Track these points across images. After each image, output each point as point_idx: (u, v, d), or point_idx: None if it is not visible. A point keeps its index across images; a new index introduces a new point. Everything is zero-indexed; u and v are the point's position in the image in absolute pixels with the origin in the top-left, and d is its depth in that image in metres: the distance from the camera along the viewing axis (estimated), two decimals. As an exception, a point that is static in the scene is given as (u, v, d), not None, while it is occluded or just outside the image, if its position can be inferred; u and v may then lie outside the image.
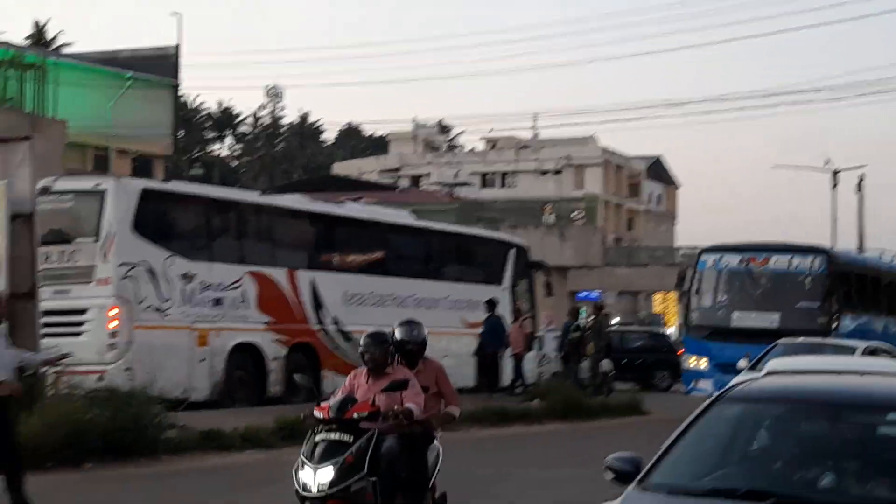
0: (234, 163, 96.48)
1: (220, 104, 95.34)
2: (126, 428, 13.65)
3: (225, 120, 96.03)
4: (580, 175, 77.90)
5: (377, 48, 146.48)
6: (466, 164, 78.82)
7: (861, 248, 43.76)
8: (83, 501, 11.47)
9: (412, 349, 9.07)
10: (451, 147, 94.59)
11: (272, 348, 20.70)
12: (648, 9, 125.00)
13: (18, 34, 73.78)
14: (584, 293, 55.66)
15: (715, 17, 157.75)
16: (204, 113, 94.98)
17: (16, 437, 10.14)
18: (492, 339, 23.78)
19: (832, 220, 50.84)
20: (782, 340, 18.81)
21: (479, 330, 24.39)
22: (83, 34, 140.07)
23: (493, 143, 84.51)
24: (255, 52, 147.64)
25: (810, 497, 5.63)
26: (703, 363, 22.40)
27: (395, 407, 8.34)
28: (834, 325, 22.02)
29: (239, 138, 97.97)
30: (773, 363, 7.64)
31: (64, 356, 11.86)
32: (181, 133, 69.98)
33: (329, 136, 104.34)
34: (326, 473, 8.02)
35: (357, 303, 22.77)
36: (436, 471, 8.76)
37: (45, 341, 15.05)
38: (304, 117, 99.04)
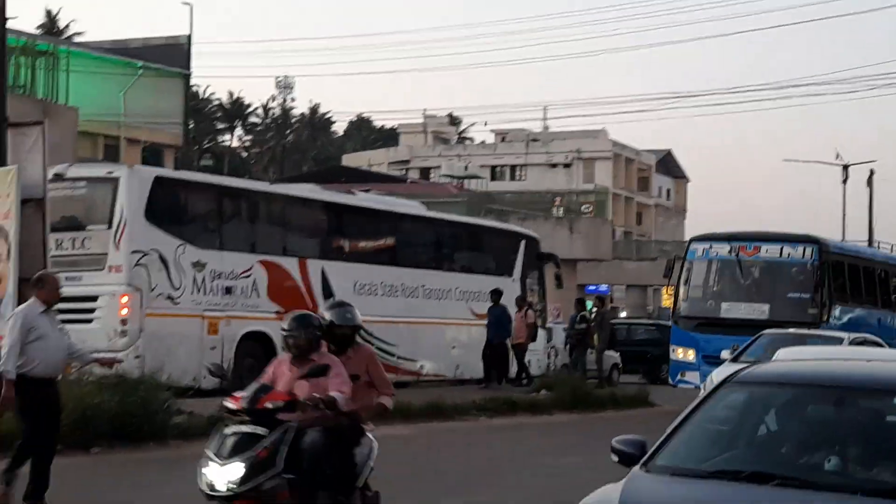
0: (244, 154, 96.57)
1: (230, 94, 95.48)
2: (134, 413, 13.70)
3: (235, 110, 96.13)
4: (590, 168, 77.91)
5: (387, 39, 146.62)
6: (476, 156, 78.82)
7: (870, 241, 43.65)
8: (91, 484, 11.52)
9: (343, 334, 8.29)
10: (461, 139, 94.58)
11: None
12: (659, 0, 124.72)
13: (30, 23, 73.95)
14: (594, 286, 55.65)
15: (726, 8, 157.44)
16: (215, 103, 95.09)
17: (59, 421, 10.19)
18: (497, 330, 23.74)
19: (842, 214, 50.76)
20: (767, 331, 18.51)
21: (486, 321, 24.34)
22: (95, 23, 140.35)
23: (503, 136, 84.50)
24: (265, 43, 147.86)
25: (815, 480, 5.64)
26: (691, 355, 22.03)
27: (314, 395, 7.59)
28: (825, 317, 21.66)
29: (249, 129, 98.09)
30: (782, 353, 7.67)
31: (117, 361, 11.88)
32: (191, 123, 70.05)
33: (339, 127, 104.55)
34: (235, 470, 7.30)
35: (367, 293, 22.80)
36: (368, 468, 8.07)
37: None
38: (314, 109, 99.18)
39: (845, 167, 51.48)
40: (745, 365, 7.05)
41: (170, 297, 18.82)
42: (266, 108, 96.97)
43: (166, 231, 18.98)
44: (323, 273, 21.81)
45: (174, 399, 14.78)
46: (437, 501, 11.41)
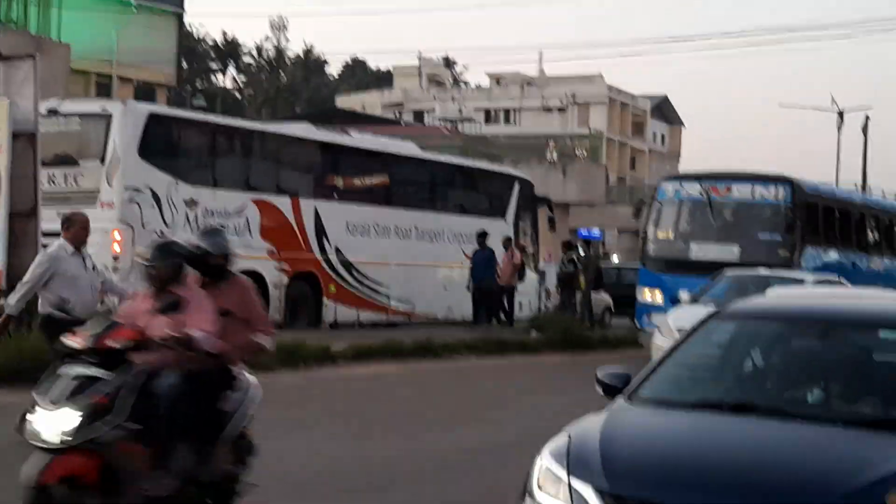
0: (238, 95, 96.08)
1: (224, 34, 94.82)
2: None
3: (229, 51, 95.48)
4: (585, 113, 77.69)
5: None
6: (471, 100, 78.57)
7: (864, 187, 43.63)
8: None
9: (214, 264, 7.38)
10: (456, 82, 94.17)
11: (274, 276, 20.77)
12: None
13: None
14: (586, 231, 55.66)
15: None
16: (208, 43, 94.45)
17: None
18: (487, 272, 23.69)
19: (836, 160, 50.77)
20: (728, 271, 18.23)
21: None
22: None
23: (497, 79, 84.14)
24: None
25: (796, 411, 5.70)
26: (658, 296, 21.47)
27: (169, 333, 6.66)
28: (797, 259, 21.18)
29: (242, 70, 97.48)
30: (771, 293, 7.73)
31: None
32: (184, 63, 69.61)
33: (333, 69, 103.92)
34: (68, 417, 6.27)
35: (360, 233, 22.82)
36: (243, 417, 7.22)
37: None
38: (308, 50, 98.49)
39: (841, 113, 51.40)
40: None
41: (161, 234, 18.79)
42: (260, 49, 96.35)
43: (159, 168, 18.94)
44: (316, 213, 21.81)
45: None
46: (423, 437, 11.49)
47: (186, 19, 58.33)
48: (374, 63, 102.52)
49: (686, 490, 4.86)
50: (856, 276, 22.94)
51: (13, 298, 9.57)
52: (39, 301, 9.82)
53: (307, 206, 21.68)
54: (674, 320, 16.53)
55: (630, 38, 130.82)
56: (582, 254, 26.94)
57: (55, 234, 16.76)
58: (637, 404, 5.86)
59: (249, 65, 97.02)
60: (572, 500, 5.01)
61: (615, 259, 50.83)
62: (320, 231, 21.86)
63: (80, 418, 6.27)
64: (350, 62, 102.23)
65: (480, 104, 78.57)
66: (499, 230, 25.50)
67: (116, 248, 18.19)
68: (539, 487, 5.21)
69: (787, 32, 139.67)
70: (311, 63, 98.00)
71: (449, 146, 44.88)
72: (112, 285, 10.34)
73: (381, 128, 46.19)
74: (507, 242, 24.67)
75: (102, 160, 18.37)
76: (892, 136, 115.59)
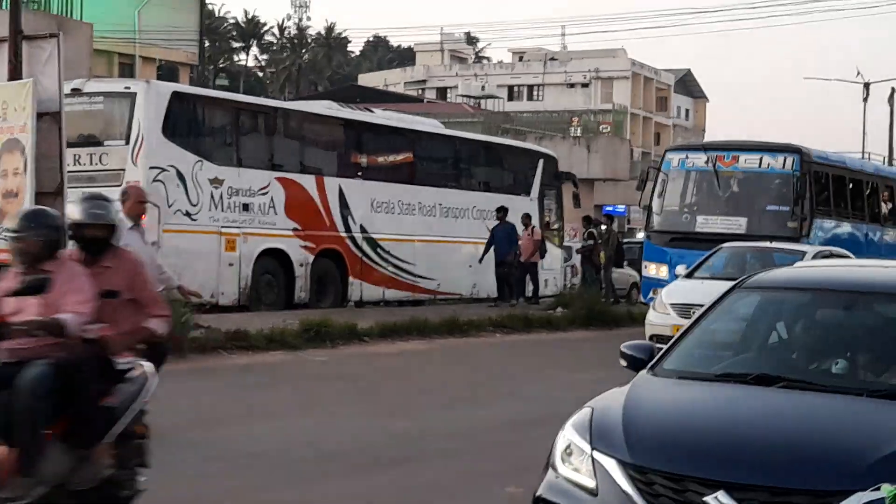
0: (260, 73, 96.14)
1: (245, 13, 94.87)
2: (153, 327, 13.74)
3: (250, 29, 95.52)
4: (608, 88, 77.38)
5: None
6: (493, 76, 78.29)
7: (891, 159, 43.28)
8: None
9: (95, 236, 6.41)
10: (479, 59, 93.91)
11: (299, 254, 20.78)
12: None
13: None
14: (611, 207, 55.51)
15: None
16: (230, 22, 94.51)
17: None
18: (508, 247, 23.57)
19: (862, 132, 50.39)
20: (725, 245, 17.84)
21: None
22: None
23: (520, 56, 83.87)
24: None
25: (821, 382, 5.67)
26: (663, 271, 20.68)
27: (33, 318, 5.85)
28: (806, 231, 20.54)
29: (264, 48, 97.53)
30: (800, 264, 7.70)
31: (197, 294, 11.05)
32: (206, 42, 69.63)
33: (355, 47, 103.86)
34: None
35: (384, 210, 22.80)
36: (131, 411, 6.16)
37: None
38: (330, 28, 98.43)
39: (866, 85, 50.99)
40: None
41: (187, 214, 18.84)
42: (281, 27, 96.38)
43: (184, 147, 18.96)
44: (340, 190, 21.80)
45: (192, 314, 14.85)
46: (449, 413, 11.52)
47: (208, -2, 58.38)
48: (396, 40, 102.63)
49: (709, 462, 4.85)
50: (869, 249, 22.64)
51: None
52: None
53: (331, 183, 21.67)
54: (667, 295, 16.43)
55: (653, 12, 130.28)
56: (603, 229, 26.83)
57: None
58: (660, 377, 5.85)
59: (271, 43, 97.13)
60: (595, 473, 5.02)
61: (640, 235, 50.61)
62: (345, 209, 21.86)
63: None
64: (372, 39, 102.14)
65: (503, 80, 78.29)
66: (523, 207, 25.42)
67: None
68: (562, 460, 5.22)
69: (812, 3, 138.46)
70: (332, 41, 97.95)
71: (472, 123, 44.78)
72: (165, 273, 9.97)
73: (403, 105, 46.18)
74: (526, 219, 24.53)
75: (127, 140, 18.39)
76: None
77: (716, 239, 19.04)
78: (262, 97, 42.70)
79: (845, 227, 22.60)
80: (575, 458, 5.16)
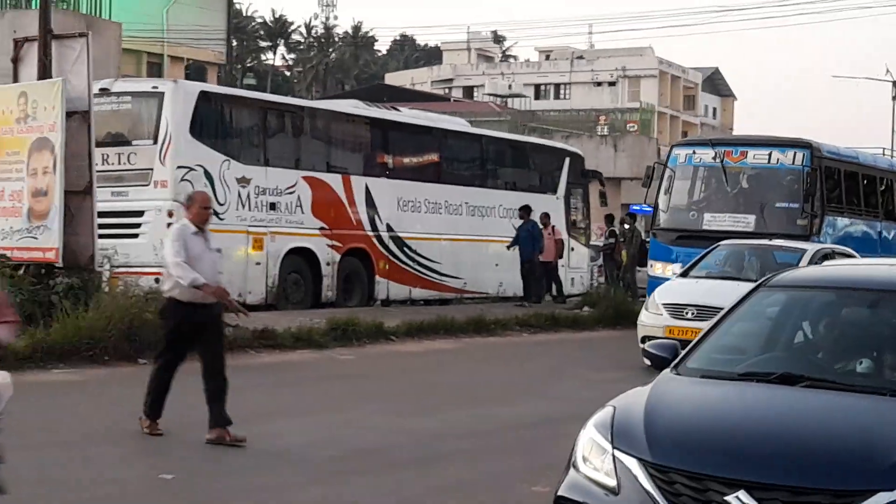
0: (287, 72, 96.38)
1: (273, 12, 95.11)
2: (181, 324, 13.79)
3: (278, 29, 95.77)
4: (635, 87, 77.13)
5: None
6: (520, 75, 78.21)
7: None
8: (139, 393, 11.67)
9: None
10: (505, 57, 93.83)
11: (326, 253, 20.83)
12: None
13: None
14: (638, 206, 55.37)
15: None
16: (257, 21, 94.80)
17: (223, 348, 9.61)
18: (529, 246, 23.46)
19: (892, 131, 50.09)
20: (723, 243, 17.29)
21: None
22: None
23: (547, 54, 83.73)
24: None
25: (845, 381, 5.65)
26: (670, 270, 19.82)
27: None
28: (816, 229, 19.92)
29: (292, 48, 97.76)
30: (827, 263, 7.64)
31: (245, 313, 10.61)
32: (234, 42, 69.85)
33: (382, 46, 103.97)
34: None
35: (411, 209, 22.82)
36: None
37: (103, 242, 15.20)
38: (357, 27, 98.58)
39: (895, 83, 50.73)
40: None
41: (215, 213, 18.76)
42: (308, 27, 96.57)
43: (211, 146, 19.02)
44: (367, 189, 21.83)
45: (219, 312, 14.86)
46: (475, 412, 11.53)
47: (236, -2, 58.60)
48: (422, 39, 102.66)
49: (729, 461, 4.85)
50: (883, 247, 22.14)
51: (188, 275, 9.06)
52: (165, 282, 9.52)
53: (358, 182, 21.70)
54: (660, 295, 15.88)
55: (680, 10, 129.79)
56: (626, 228, 26.74)
57: (111, 214, 17.01)
58: (683, 376, 5.85)
59: (298, 42, 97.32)
60: (616, 472, 5.02)
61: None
62: (371, 208, 21.89)
63: None
64: (399, 38, 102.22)
65: (530, 79, 78.21)
66: (550, 205, 25.39)
67: (170, 226, 18.21)
68: (584, 459, 5.23)
69: (840, 0, 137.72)
70: (359, 40, 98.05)
71: (499, 122, 44.77)
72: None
73: (430, 104, 46.20)
74: (545, 219, 24.23)
75: (154, 139, 18.47)
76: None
77: (723, 237, 18.48)
78: (289, 96, 42.83)
79: (858, 225, 22.08)
80: (596, 457, 5.17)
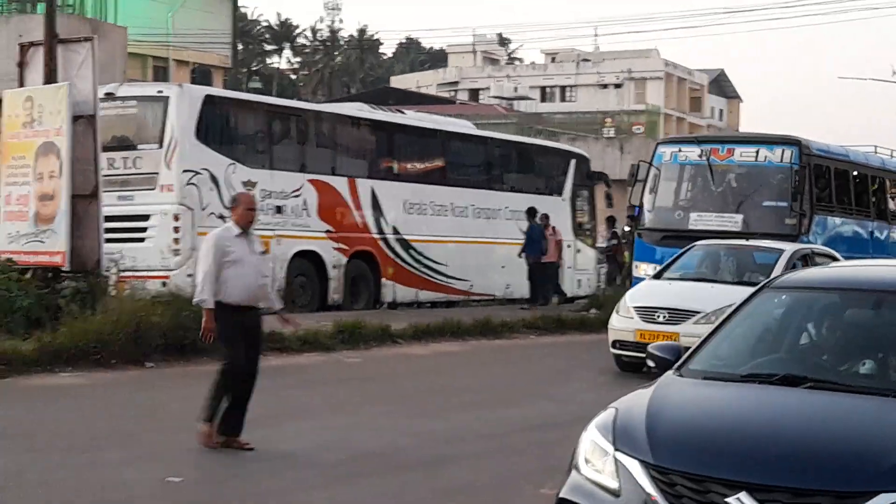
0: (293, 76, 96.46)
1: (278, 16, 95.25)
2: (187, 328, 13.82)
3: (283, 32, 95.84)
4: (641, 89, 77.11)
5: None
6: (526, 77, 78.24)
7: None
8: (146, 397, 11.70)
9: None
10: (511, 60, 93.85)
11: (333, 256, 20.84)
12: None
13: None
14: (644, 207, 55.35)
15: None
16: (263, 25, 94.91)
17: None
18: (531, 248, 23.39)
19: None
20: (699, 243, 16.63)
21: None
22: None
23: (552, 56, 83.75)
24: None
25: (848, 382, 5.64)
26: (653, 271, 18.75)
27: None
28: (805, 228, 19.37)
29: (297, 51, 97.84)
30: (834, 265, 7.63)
31: (296, 323, 10.67)
32: (240, 45, 69.93)
33: (388, 49, 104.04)
34: None
35: (417, 212, 22.83)
36: None
37: (109, 246, 15.23)
38: (362, 30, 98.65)
39: (901, 84, 50.57)
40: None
41: (221, 216, 18.88)
42: (314, 30, 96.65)
43: (217, 150, 19.05)
44: (373, 192, 21.84)
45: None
46: (482, 414, 11.54)
47: (241, 1, 58.75)
48: (428, 42, 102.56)
49: (731, 463, 4.84)
50: (875, 248, 21.75)
51: (205, 293, 9.05)
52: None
53: (364, 185, 21.72)
54: (631, 298, 15.39)
55: (686, 12, 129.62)
56: (627, 229, 26.69)
57: (117, 219, 16.99)
58: (686, 377, 5.84)
59: (304, 46, 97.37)
60: (617, 474, 5.02)
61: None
62: (377, 210, 21.90)
63: None
64: (404, 42, 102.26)
65: (536, 82, 78.22)
66: (556, 207, 25.38)
67: (177, 230, 18.30)
68: (585, 461, 5.23)
69: (847, 1, 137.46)
70: (365, 43, 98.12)
71: (504, 124, 44.78)
72: (273, 295, 9.66)
73: (436, 107, 46.24)
74: (544, 219, 24.00)
75: (160, 143, 18.50)
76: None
77: (710, 237, 17.86)
78: (294, 100, 42.88)
79: (849, 225, 21.59)
80: (598, 458, 5.16)
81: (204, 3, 44.48)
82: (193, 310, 14.09)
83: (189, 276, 17.76)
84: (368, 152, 22.61)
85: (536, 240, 23.36)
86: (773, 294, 6.42)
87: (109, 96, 18.28)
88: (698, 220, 19.81)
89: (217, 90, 24.49)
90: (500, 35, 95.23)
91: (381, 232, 21.99)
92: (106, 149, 16.35)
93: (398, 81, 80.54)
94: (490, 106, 64.61)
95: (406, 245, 22.46)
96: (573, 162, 27.35)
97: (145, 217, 18.43)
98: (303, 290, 20.34)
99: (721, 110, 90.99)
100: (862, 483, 4.64)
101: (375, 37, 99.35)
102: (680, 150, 20.63)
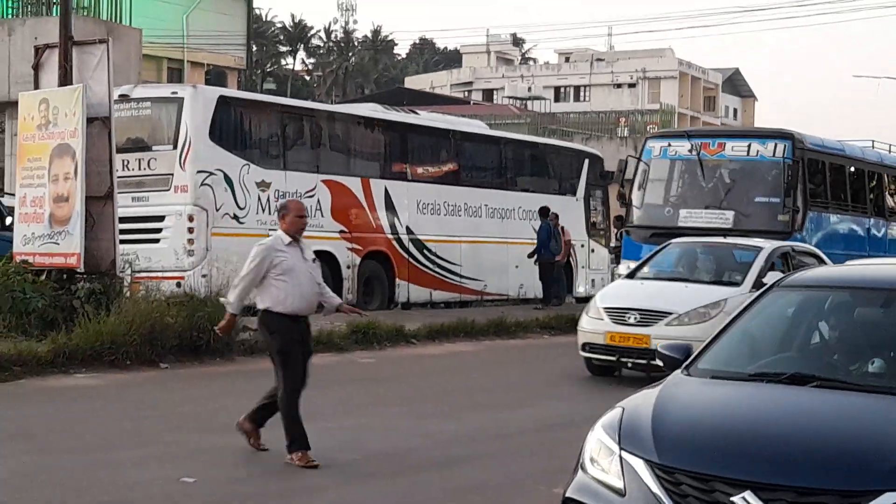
0: (307, 77, 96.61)
1: (292, 17, 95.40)
2: (202, 330, 13.88)
3: (297, 33, 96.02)
4: (655, 88, 77.04)
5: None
6: (540, 77, 78.20)
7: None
8: (160, 398, 11.73)
9: None
10: (525, 60, 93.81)
11: (346, 256, 20.87)
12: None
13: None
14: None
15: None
16: (277, 26, 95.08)
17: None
18: (541, 247, 23.32)
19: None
20: (675, 241, 16.05)
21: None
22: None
23: (566, 56, 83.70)
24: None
25: (856, 381, 5.64)
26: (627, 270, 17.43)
27: None
28: (798, 225, 18.84)
29: (311, 52, 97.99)
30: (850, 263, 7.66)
31: (357, 312, 10.56)
32: (254, 47, 70.05)
33: (402, 49, 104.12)
34: None
35: (431, 212, 22.84)
36: None
37: (124, 247, 15.27)
38: (376, 31, 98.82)
39: (917, 83, 50.41)
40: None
41: (235, 217, 18.97)
42: (328, 31, 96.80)
43: (231, 151, 19.09)
44: (386, 192, 21.86)
45: (240, 316, 14.91)
46: (496, 414, 11.57)
47: (255, 2, 58.89)
48: (442, 42, 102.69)
49: (736, 462, 4.85)
50: (872, 245, 21.36)
51: (232, 296, 9.02)
52: (257, 296, 9.05)
53: (377, 185, 21.74)
54: (601, 299, 14.76)
55: (700, 11, 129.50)
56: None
57: (132, 220, 17.07)
58: (694, 377, 5.85)
59: (318, 47, 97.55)
60: (623, 473, 5.02)
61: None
62: (391, 211, 21.93)
63: None
64: (418, 42, 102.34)
65: (549, 82, 78.20)
66: (569, 207, 25.36)
67: (191, 230, 18.35)
68: (591, 461, 5.24)
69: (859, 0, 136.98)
70: (379, 44, 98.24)
71: (518, 124, 44.76)
72: (327, 293, 9.39)
73: (450, 107, 46.26)
74: (553, 219, 23.81)
75: (174, 144, 18.55)
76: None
77: (700, 235, 17.26)
78: (308, 101, 42.95)
79: (845, 222, 21.08)
80: (604, 458, 5.17)
81: (218, 4, 44.56)
82: (208, 311, 14.21)
83: (204, 276, 17.88)
84: (382, 153, 22.64)
85: (545, 239, 23.33)
86: (783, 293, 6.42)
87: (124, 98, 18.34)
88: (688, 217, 19.33)
89: (231, 91, 24.54)
90: (514, 35, 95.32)
91: (394, 232, 22.02)
92: (121, 150, 16.40)
93: (412, 82, 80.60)
94: (504, 106, 64.60)
95: (420, 245, 22.48)
96: (587, 162, 27.33)
97: (160, 218, 18.48)
98: (317, 290, 20.31)
99: (735, 109, 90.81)
100: (867, 482, 4.65)
101: (389, 37, 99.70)
102: (669, 145, 20.19)
